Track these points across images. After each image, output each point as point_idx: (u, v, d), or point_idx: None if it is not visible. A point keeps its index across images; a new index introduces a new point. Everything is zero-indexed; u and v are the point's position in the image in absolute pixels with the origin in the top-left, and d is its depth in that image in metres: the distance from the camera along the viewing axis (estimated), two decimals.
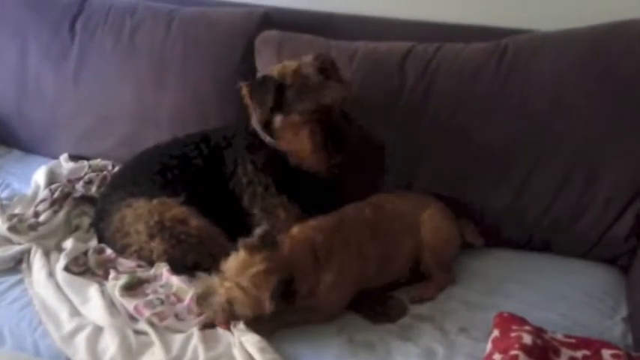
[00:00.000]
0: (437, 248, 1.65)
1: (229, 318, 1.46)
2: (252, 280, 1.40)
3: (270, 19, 2.08)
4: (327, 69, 1.62)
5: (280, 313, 1.42)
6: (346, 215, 1.64)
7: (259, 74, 1.65)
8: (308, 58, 1.64)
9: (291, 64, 1.64)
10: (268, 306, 1.38)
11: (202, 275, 1.58)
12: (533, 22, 1.84)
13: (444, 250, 1.68)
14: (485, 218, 1.78)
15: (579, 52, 1.70)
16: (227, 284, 1.42)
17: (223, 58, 2.06)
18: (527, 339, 1.30)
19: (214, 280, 1.47)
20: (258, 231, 1.46)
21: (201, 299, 1.47)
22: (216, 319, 1.48)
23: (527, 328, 1.35)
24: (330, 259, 1.51)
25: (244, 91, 1.66)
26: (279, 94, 1.59)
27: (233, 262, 1.44)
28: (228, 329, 1.47)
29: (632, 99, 1.64)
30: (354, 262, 1.55)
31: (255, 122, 1.68)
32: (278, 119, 1.63)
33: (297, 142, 1.62)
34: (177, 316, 1.52)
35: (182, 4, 2.19)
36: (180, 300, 1.56)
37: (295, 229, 1.56)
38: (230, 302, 1.42)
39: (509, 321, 1.39)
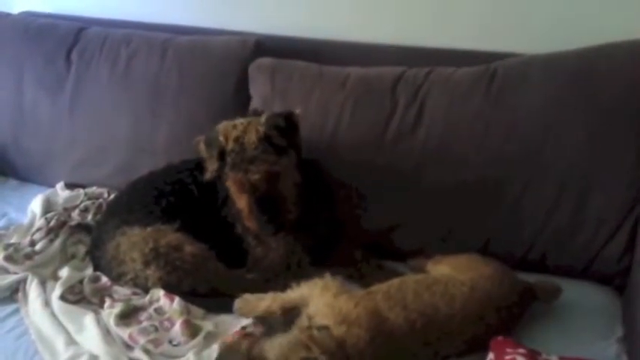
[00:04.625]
0: None
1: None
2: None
3: (263, 47, 2.11)
4: (276, 133, 1.64)
5: None
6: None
7: (212, 132, 1.70)
8: (263, 118, 1.67)
9: (238, 126, 1.66)
10: None
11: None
12: (521, 45, 1.87)
13: None
14: (478, 240, 1.79)
15: (567, 74, 1.72)
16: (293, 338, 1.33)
17: (218, 85, 2.09)
18: None
19: (303, 321, 1.41)
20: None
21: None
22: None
23: (521, 350, 1.34)
24: None
25: (200, 146, 1.72)
26: (221, 157, 1.66)
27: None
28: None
29: (620, 119, 1.66)
30: None
31: (208, 176, 1.71)
32: (225, 177, 1.69)
33: (238, 202, 1.69)
34: (171, 341, 1.51)
35: (176, 33, 2.23)
36: (173, 324, 1.56)
37: None
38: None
39: (503, 344, 1.38)
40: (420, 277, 1.58)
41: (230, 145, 1.64)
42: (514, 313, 1.50)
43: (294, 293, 1.55)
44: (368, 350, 1.33)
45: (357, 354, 1.32)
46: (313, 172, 1.82)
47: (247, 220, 1.68)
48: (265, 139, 1.63)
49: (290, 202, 1.68)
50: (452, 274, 1.54)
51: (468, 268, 1.55)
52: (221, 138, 1.66)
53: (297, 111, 1.72)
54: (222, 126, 1.69)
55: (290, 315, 1.52)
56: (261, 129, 1.63)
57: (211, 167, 1.69)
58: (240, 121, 1.68)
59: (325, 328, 1.34)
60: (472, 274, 1.51)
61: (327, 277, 1.54)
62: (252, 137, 1.62)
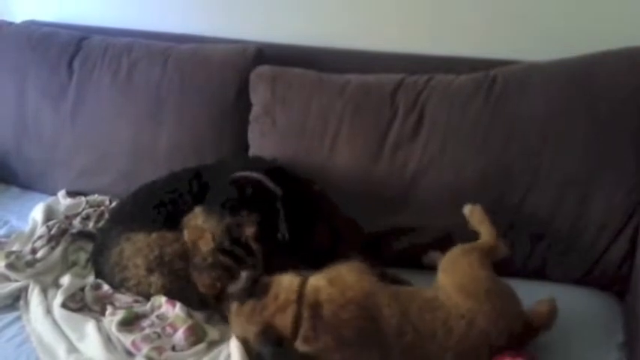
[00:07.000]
0: None
1: None
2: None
3: (264, 55, 2.12)
4: (219, 254, 1.62)
5: None
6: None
7: (189, 213, 1.70)
8: (219, 230, 1.62)
9: (199, 227, 1.65)
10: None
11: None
12: (521, 53, 1.88)
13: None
14: None
15: (566, 81, 1.73)
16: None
17: (219, 93, 2.10)
18: None
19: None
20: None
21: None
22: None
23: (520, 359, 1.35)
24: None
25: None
26: None
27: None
28: None
29: (620, 126, 1.66)
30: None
31: None
32: None
33: None
34: (174, 348, 1.52)
35: (177, 41, 2.24)
36: (175, 330, 1.56)
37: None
38: None
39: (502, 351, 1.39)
40: (430, 295, 1.47)
41: (189, 245, 1.65)
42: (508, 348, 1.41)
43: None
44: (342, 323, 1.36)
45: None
46: (299, 186, 1.81)
47: None
48: (214, 254, 1.61)
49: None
50: (456, 301, 1.43)
51: (469, 294, 1.44)
52: (185, 232, 1.67)
53: (252, 230, 1.64)
54: (192, 218, 1.68)
55: None
56: (212, 243, 1.62)
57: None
58: (202, 220, 1.65)
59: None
60: (472, 304, 1.42)
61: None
62: (204, 247, 1.62)
